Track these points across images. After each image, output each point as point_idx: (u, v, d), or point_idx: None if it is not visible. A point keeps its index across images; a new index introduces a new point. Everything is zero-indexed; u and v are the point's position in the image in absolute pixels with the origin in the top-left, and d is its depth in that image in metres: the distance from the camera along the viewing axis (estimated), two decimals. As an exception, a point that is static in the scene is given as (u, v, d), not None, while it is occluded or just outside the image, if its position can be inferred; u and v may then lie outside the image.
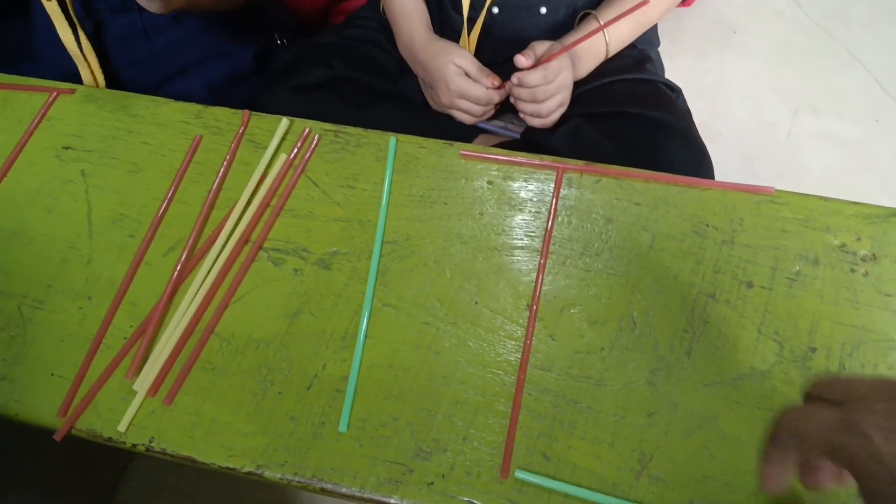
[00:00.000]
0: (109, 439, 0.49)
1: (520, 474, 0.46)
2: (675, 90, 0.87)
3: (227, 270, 0.55)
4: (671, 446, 0.48)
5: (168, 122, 0.64)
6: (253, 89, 0.93)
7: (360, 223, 0.58)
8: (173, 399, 0.50)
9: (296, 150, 0.61)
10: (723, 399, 0.49)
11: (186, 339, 0.52)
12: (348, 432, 0.49)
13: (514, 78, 0.75)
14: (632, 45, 0.88)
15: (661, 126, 0.79)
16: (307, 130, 0.62)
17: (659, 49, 0.96)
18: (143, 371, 0.51)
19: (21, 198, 0.60)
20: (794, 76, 1.36)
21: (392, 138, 0.61)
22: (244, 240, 0.57)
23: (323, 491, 0.47)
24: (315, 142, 0.62)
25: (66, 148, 0.63)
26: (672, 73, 0.89)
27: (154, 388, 0.50)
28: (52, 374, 0.52)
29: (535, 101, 0.76)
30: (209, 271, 0.55)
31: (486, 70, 0.80)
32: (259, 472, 0.47)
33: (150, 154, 0.62)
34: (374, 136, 0.62)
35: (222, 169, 0.60)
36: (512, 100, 0.80)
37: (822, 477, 0.40)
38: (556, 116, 0.78)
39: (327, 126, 0.63)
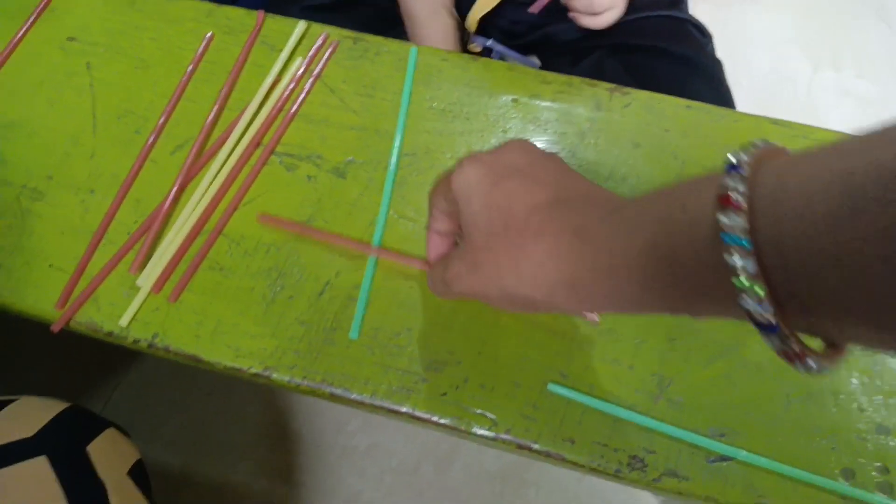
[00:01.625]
0: (110, 333, 0.47)
1: (553, 387, 0.45)
2: (705, 35, 0.84)
3: (238, 173, 0.53)
4: (691, 372, 0.46)
5: (177, 19, 0.61)
6: (259, 5, 0.90)
7: (377, 132, 0.55)
8: (178, 297, 0.48)
9: (312, 53, 0.58)
10: (747, 329, 0.48)
11: (194, 237, 0.50)
12: (360, 340, 0.47)
13: None
14: None
15: (689, 63, 0.76)
16: (325, 35, 0.60)
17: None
18: (148, 266, 0.49)
19: (22, 88, 0.57)
20: (817, 31, 1.33)
21: (413, 48, 0.59)
22: (255, 143, 0.54)
23: (332, 396, 0.46)
24: (333, 48, 0.59)
25: (71, 39, 0.60)
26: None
27: (159, 285, 0.48)
28: (51, 266, 0.50)
29: None
30: (218, 172, 0.53)
31: None
32: (266, 373, 0.46)
33: (158, 51, 0.59)
34: (394, 45, 0.59)
35: (234, 69, 0.57)
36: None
37: None
38: (609, 17, 0.74)
39: (346, 32, 0.60)
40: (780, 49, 1.30)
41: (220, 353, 0.46)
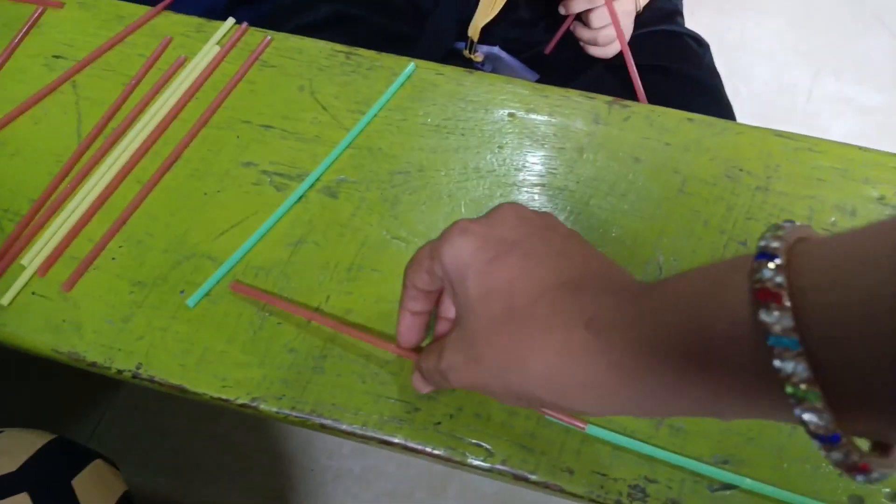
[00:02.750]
0: (93, 364, 0.46)
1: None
2: (702, 45, 0.83)
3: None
4: (694, 398, 0.45)
5: (166, 34, 0.60)
6: (255, 17, 0.88)
7: (369, 151, 0.54)
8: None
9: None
10: (750, 352, 0.46)
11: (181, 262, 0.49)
12: (350, 367, 0.45)
13: (561, 7, 0.70)
14: None
15: (689, 81, 0.75)
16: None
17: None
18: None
19: (7, 106, 0.56)
20: (818, 38, 1.32)
21: (412, 63, 0.57)
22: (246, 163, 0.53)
23: (322, 427, 0.44)
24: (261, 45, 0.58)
25: (57, 57, 0.59)
26: (691, 28, 0.85)
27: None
28: (34, 294, 0.48)
29: (591, 27, 0.72)
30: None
31: None
32: (254, 404, 0.44)
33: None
34: (388, 59, 0.58)
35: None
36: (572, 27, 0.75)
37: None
38: (616, 47, 0.73)
39: (338, 47, 0.59)
40: (780, 56, 1.28)
41: (206, 384, 0.45)
